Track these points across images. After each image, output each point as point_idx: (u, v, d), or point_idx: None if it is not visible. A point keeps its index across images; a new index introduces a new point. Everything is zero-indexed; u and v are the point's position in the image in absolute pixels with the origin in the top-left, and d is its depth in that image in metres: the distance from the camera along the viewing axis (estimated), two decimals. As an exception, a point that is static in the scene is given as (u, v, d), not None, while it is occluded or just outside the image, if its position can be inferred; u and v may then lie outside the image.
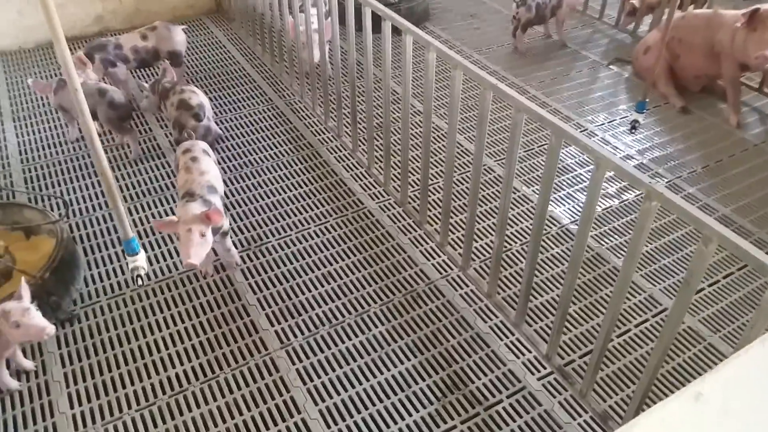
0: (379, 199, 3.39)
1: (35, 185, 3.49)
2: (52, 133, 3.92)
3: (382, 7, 2.82)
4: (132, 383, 2.46)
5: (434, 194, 3.39)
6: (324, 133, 3.92)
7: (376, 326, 2.68)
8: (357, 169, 3.62)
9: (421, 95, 4.21)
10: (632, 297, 2.82)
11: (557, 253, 3.06)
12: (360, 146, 3.70)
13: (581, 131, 3.97)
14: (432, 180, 3.47)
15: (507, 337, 2.63)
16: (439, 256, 3.03)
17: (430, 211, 3.26)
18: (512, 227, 3.20)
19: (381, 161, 3.55)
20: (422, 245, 3.10)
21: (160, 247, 3.08)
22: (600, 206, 3.31)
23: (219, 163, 3.44)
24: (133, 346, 2.60)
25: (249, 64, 4.70)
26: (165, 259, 3.01)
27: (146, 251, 3.04)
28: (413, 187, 3.41)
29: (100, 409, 2.37)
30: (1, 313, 2.19)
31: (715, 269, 2.98)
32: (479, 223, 3.22)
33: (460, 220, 3.23)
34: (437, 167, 3.58)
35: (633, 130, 3.72)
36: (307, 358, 2.55)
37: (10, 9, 4.75)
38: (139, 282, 2.38)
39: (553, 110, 4.18)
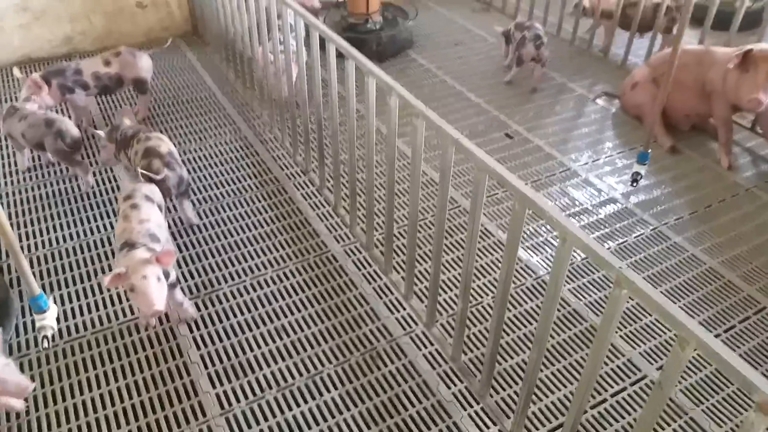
0: (344, 241, 3.17)
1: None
2: (3, 162, 3.70)
3: (345, 45, 2.60)
4: (51, 453, 2.22)
5: (400, 239, 3.17)
6: (292, 167, 3.70)
7: (330, 390, 2.44)
8: (323, 207, 3.40)
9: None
10: (609, 361, 2.59)
11: (530, 308, 2.83)
12: (327, 183, 3.48)
13: (563, 171, 3.76)
14: (398, 223, 3.25)
15: (471, 407, 2.39)
16: (404, 309, 2.80)
17: (397, 257, 3.04)
18: (481, 278, 2.97)
19: (348, 200, 3.33)
20: (386, 296, 2.87)
21: (94, 294, 2.84)
22: (577, 256, 3.09)
23: (168, 209, 3.22)
24: (59, 408, 2.36)
25: (220, 91, 4.50)
26: (104, 307, 2.78)
27: (84, 298, 2.80)
28: (379, 230, 3.19)
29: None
30: None
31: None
32: (446, 273, 2.99)
33: (426, 269, 3.00)
34: (403, 209, 3.35)
35: (635, 184, 3.42)
36: (249, 427, 2.31)
37: (-29, 28, 4.56)
38: (45, 344, 2.14)
39: (536, 147, 3.97)
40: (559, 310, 2.78)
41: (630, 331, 2.73)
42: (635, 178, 3.36)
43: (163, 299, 2.29)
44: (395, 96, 2.32)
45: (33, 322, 2.66)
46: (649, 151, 3.29)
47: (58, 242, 3.12)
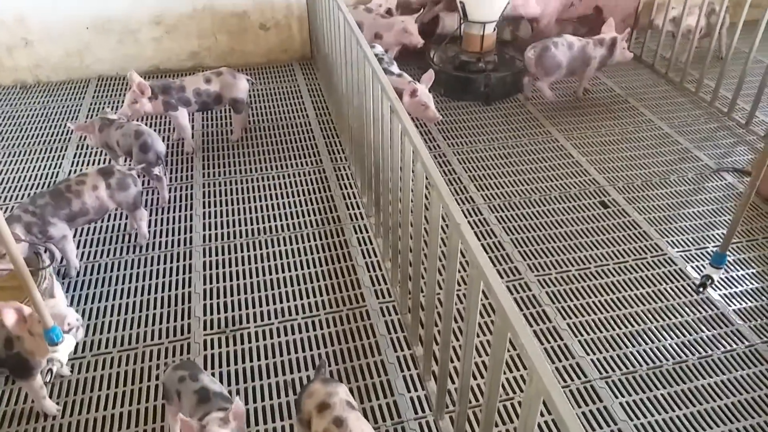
0: (382, 298, 2.98)
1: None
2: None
3: (395, 103, 2.40)
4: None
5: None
6: (357, 208, 3.58)
7: (314, 465, 2.26)
8: (374, 257, 3.23)
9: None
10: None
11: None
12: (382, 232, 3.31)
13: (656, 255, 3.25)
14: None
15: None
16: (422, 389, 2.54)
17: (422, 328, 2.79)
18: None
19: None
20: (407, 370, 2.63)
21: (126, 313, 2.91)
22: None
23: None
24: (73, 420, 2.42)
25: (317, 119, 4.51)
26: (131, 328, 2.83)
27: (116, 314, 2.88)
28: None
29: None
30: None
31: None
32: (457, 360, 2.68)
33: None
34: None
35: (702, 289, 2.91)
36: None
37: (110, 38, 4.98)
38: (47, 378, 2.17)
39: (632, 221, 3.50)
40: None
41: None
42: (704, 282, 2.82)
43: None
44: (420, 163, 2.10)
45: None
46: (726, 253, 2.75)
47: (96, 256, 3.26)
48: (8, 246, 1.95)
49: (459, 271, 1.99)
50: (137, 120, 3.81)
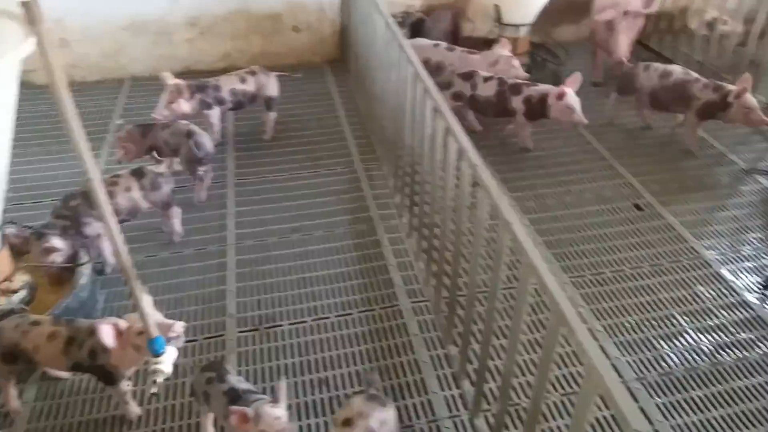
0: (415, 298, 2.99)
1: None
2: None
3: (439, 103, 2.41)
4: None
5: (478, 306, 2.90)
6: (389, 209, 3.60)
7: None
8: (407, 257, 3.24)
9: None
10: None
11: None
12: (415, 232, 3.32)
13: (691, 259, 3.21)
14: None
15: None
16: (456, 388, 2.55)
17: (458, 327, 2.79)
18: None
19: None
20: (440, 369, 2.64)
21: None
22: (682, 366, 2.60)
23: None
24: None
25: (347, 121, 4.54)
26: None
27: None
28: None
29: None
30: None
31: None
32: (497, 359, 2.67)
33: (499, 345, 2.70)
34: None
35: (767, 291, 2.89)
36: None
37: (145, 38, 5.07)
38: (153, 390, 2.12)
39: (666, 225, 3.46)
40: None
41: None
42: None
43: None
44: (466, 162, 2.11)
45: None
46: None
47: (130, 254, 3.32)
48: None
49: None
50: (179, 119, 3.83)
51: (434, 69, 4.30)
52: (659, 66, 4.10)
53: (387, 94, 3.46)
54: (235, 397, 2.08)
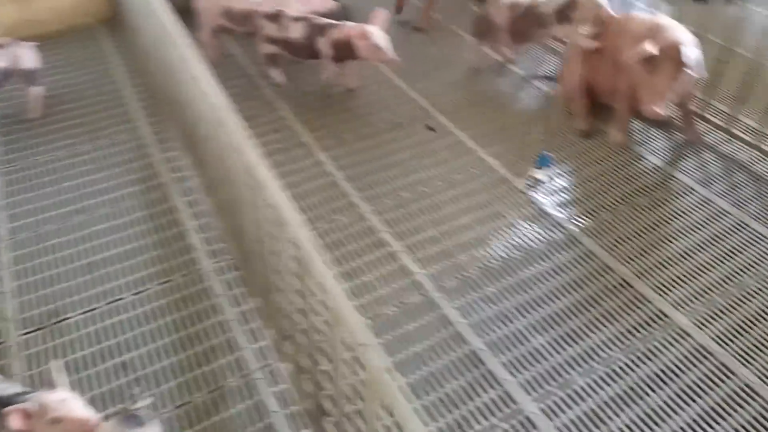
0: (216, 258, 2.87)
1: None
2: None
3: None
4: None
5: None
6: (183, 171, 3.39)
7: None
8: (203, 219, 3.09)
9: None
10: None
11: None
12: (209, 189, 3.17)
13: (482, 168, 3.38)
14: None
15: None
16: (262, 341, 2.49)
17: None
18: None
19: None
20: (248, 324, 2.56)
21: None
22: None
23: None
24: None
25: (132, 83, 4.16)
26: None
27: None
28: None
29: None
30: None
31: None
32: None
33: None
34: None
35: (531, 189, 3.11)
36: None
37: None
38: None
39: (458, 141, 3.58)
40: None
41: None
42: (530, 185, 3.02)
43: None
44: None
45: None
46: (551, 154, 2.91)
47: None
48: None
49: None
50: None
51: (240, 19, 3.93)
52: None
53: (154, 49, 3.20)
54: (2, 404, 1.86)
